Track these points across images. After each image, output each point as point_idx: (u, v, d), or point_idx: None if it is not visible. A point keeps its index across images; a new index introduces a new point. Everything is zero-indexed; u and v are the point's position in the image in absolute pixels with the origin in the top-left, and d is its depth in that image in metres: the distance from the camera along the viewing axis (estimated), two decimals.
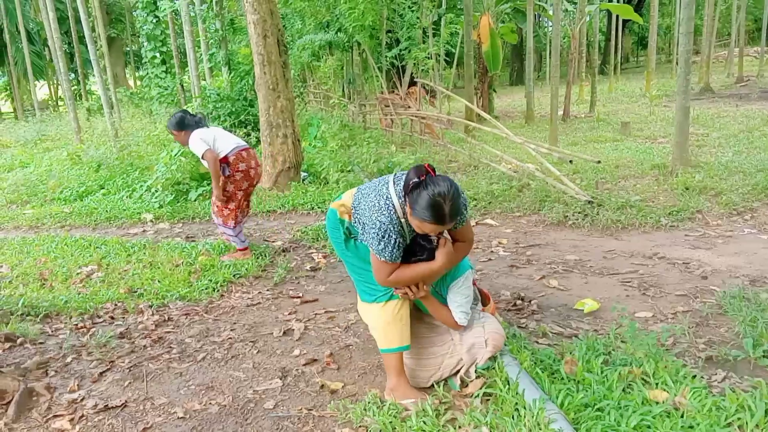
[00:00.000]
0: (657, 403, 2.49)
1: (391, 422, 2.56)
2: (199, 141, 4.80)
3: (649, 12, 22.50)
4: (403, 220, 2.58)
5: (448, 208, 2.38)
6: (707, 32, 18.28)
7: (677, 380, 2.65)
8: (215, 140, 4.91)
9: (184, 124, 4.91)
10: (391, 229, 2.54)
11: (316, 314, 3.99)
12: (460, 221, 2.64)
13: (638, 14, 18.90)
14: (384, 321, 2.80)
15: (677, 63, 7.40)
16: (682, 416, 2.39)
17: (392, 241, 2.55)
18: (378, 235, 2.54)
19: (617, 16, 23.36)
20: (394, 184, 2.62)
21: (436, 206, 2.37)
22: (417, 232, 2.57)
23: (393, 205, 2.57)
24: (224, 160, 4.92)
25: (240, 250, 5.22)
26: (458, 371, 2.87)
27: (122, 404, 2.90)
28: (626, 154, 8.97)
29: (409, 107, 12.21)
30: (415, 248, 2.67)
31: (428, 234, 2.54)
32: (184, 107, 12.29)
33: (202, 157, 4.84)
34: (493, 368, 2.82)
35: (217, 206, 5.06)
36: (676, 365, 2.79)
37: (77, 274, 4.93)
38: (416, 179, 2.41)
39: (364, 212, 2.63)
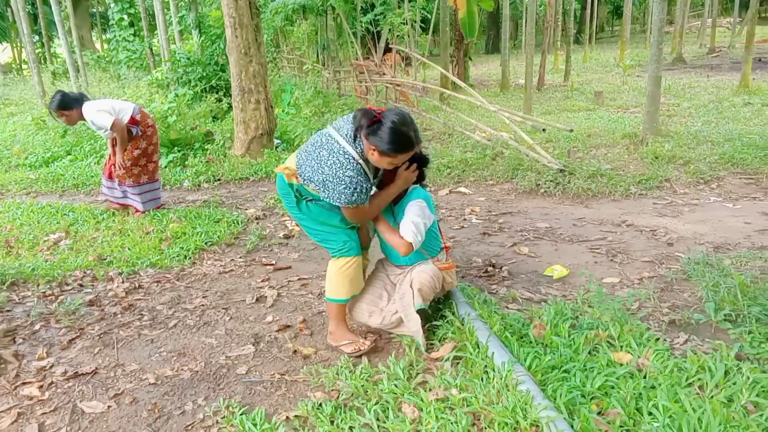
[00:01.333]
0: (621, 365, 2.56)
1: (363, 385, 2.59)
2: (102, 113, 4.95)
3: None
4: (365, 166, 2.70)
5: (413, 133, 2.59)
6: (681, 2, 18.37)
7: (641, 343, 2.72)
8: (114, 108, 5.07)
9: (71, 102, 4.97)
10: (360, 179, 2.67)
11: (289, 281, 3.99)
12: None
13: None
14: (334, 274, 3.01)
15: (651, 32, 7.43)
16: (644, 377, 2.47)
17: (363, 189, 2.70)
18: (350, 188, 2.65)
19: None
20: (341, 137, 2.70)
21: (404, 135, 2.56)
22: (386, 168, 2.75)
23: (352, 157, 2.66)
24: (133, 122, 5.21)
25: (158, 207, 5.53)
26: (401, 321, 2.96)
27: (92, 371, 2.88)
28: (598, 123, 9.05)
29: (384, 74, 12.08)
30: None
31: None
32: (154, 71, 12.01)
33: (110, 128, 5.01)
34: (463, 333, 2.86)
35: (125, 168, 5.25)
36: (640, 329, 2.86)
37: (44, 241, 4.84)
38: (371, 120, 2.56)
39: (322, 171, 2.68)
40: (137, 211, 5.47)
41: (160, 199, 5.68)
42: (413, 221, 2.79)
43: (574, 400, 2.33)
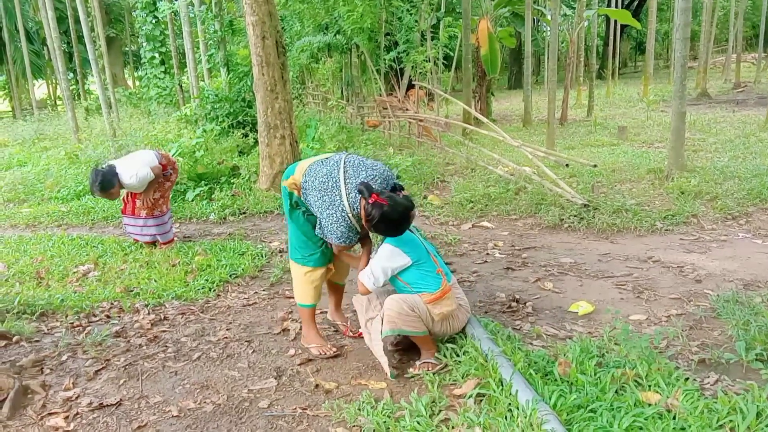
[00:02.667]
0: (649, 404, 2.50)
1: (384, 422, 2.57)
2: (144, 170, 5.18)
3: (647, 17, 22.62)
4: (356, 222, 3.01)
5: (406, 224, 2.95)
6: (705, 38, 18.36)
7: (670, 382, 2.66)
8: (143, 161, 5.26)
9: (111, 180, 5.12)
10: (350, 234, 3.04)
11: None
12: None
13: (636, 20, 18.98)
14: (301, 280, 3.39)
15: (674, 68, 7.43)
16: (674, 418, 2.41)
17: (352, 239, 3.07)
18: (340, 238, 3.04)
19: (615, 21, 23.43)
20: (345, 183, 2.93)
21: (399, 228, 2.93)
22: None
23: (348, 215, 2.98)
24: (164, 167, 5.43)
25: (168, 242, 5.61)
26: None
27: (117, 402, 2.91)
28: (622, 158, 9.00)
29: (407, 110, 12.23)
30: None
31: None
32: (183, 107, 12.32)
33: (150, 179, 5.27)
34: (487, 369, 2.83)
35: (152, 202, 5.41)
36: (668, 367, 2.80)
37: (74, 272, 4.94)
38: (375, 205, 2.83)
39: (320, 212, 3.04)
40: (163, 243, 5.56)
41: (172, 233, 5.77)
42: (372, 268, 3.04)
43: None
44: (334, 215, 2.98)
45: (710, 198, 6.30)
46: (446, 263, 4.84)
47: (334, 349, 3.38)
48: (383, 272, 3.01)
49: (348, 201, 2.96)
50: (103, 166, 5.28)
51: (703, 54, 18.59)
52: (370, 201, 2.84)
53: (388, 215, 2.83)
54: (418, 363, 3.11)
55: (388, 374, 3.02)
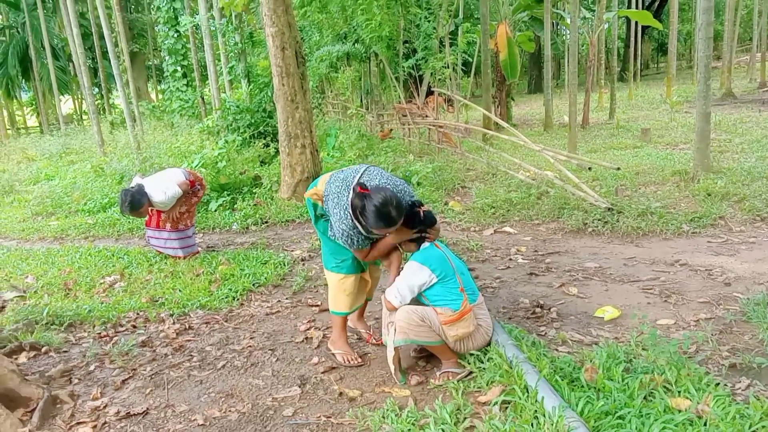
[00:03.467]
0: (679, 411, 2.45)
1: (409, 430, 2.56)
2: (173, 188, 5.27)
3: (668, 18, 22.33)
4: (361, 227, 3.00)
5: (395, 212, 2.81)
6: (728, 37, 18.08)
7: (700, 388, 2.61)
8: (170, 179, 5.36)
9: (140, 200, 5.21)
10: (352, 234, 3.04)
11: None
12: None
13: (657, 20, 18.77)
14: (336, 288, 3.41)
15: (697, 68, 7.33)
16: (705, 424, 2.35)
17: (355, 241, 3.07)
18: (343, 237, 3.06)
19: (636, 23, 23.20)
20: (354, 193, 2.95)
21: (385, 217, 2.80)
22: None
23: (350, 215, 2.98)
24: (192, 184, 5.54)
25: (194, 253, 5.70)
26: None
27: (144, 411, 2.94)
28: (646, 160, 8.88)
29: (426, 116, 12.23)
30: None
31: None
32: (205, 119, 12.48)
33: (178, 196, 5.37)
34: (512, 376, 2.81)
35: (173, 220, 5.49)
36: (698, 373, 2.74)
37: (100, 284, 5.01)
38: (358, 195, 2.86)
39: (331, 213, 3.09)
40: (185, 256, 5.60)
41: (196, 246, 5.85)
42: (399, 285, 3.02)
43: None
44: (340, 213, 3.00)
45: (738, 199, 6.18)
46: (469, 269, 4.83)
47: (359, 360, 3.38)
48: (409, 289, 3.00)
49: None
50: (132, 186, 5.37)
51: (727, 53, 18.30)
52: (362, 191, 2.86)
53: (372, 204, 2.78)
54: (438, 373, 3.09)
55: (397, 380, 3.03)
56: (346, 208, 2.98)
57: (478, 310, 3.11)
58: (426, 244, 3.12)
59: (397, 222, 2.84)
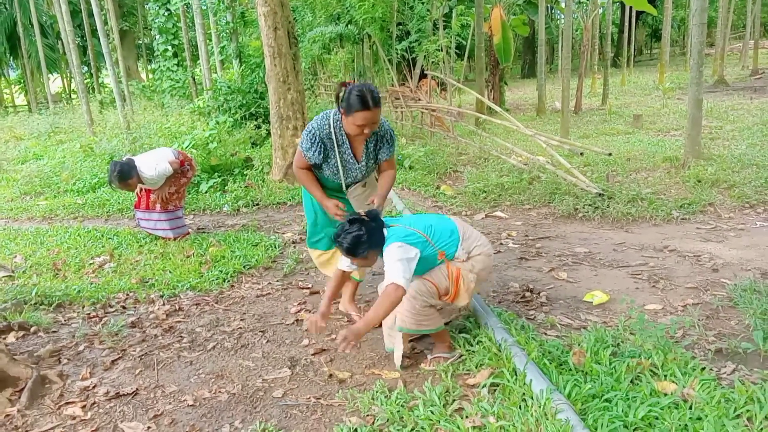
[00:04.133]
0: (665, 394, 2.48)
1: (398, 411, 2.57)
2: (162, 163, 5.23)
3: (663, 4, 22.26)
4: (335, 129, 3.23)
5: (370, 96, 3.01)
6: (722, 24, 18.08)
7: (686, 372, 2.64)
8: (161, 157, 5.32)
9: (129, 171, 5.16)
10: (317, 133, 3.23)
11: None
12: (388, 152, 3.38)
13: (652, 6, 18.70)
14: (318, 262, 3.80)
15: (690, 55, 7.33)
16: (690, 408, 2.39)
17: (314, 142, 3.24)
18: (306, 131, 3.26)
19: (631, 8, 23.13)
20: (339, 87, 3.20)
21: (362, 96, 3.00)
22: (354, 135, 3.18)
23: (326, 116, 3.26)
24: (182, 164, 5.49)
25: (184, 234, 5.67)
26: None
27: (133, 392, 2.94)
28: (638, 146, 8.91)
29: (419, 100, 12.18)
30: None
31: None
32: (196, 99, 12.36)
33: (169, 173, 5.32)
34: (501, 359, 2.83)
35: (163, 200, 5.46)
36: (685, 357, 2.78)
37: (90, 264, 4.98)
38: (340, 86, 3.13)
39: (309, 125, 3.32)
40: (175, 237, 5.59)
41: (186, 227, 5.83)
42: (394, 268, 2.74)
43: (617, 431, 2.26)
44: (315, 120, 3.28)
45: (727, 186, 6.22)
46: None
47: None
48: (408, 262, 2.77)
49: (333, 112, 3.28)
50: (123, 158, 5.33)
51: (720, 40, 18.31)
52: (344, 84, 3.12)
53: (361, 87, 3.04)
54: (430, 357, 3.10)
55: (397, 365, 3.03)
56: (326, 112, 3.29)
57: (468, 243, 3.01)
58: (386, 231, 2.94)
59: (371, 106, 3.01)
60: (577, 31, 24.05)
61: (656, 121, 11.69)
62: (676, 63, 27.44)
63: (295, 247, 5.39)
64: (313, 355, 3.28)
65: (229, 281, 4.51)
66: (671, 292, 3.87)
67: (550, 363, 2.77)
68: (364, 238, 2.80)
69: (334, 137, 3.26)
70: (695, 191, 6.13)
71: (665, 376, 2.65)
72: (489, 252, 3.09)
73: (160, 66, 19.38)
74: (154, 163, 5.22)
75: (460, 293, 2.95)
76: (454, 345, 3.12)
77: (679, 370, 2.65)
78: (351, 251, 2.82)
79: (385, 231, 2.91)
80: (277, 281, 4.55)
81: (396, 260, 2.77)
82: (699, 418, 2.31)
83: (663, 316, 3.50)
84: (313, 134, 3.23)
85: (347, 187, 3.46)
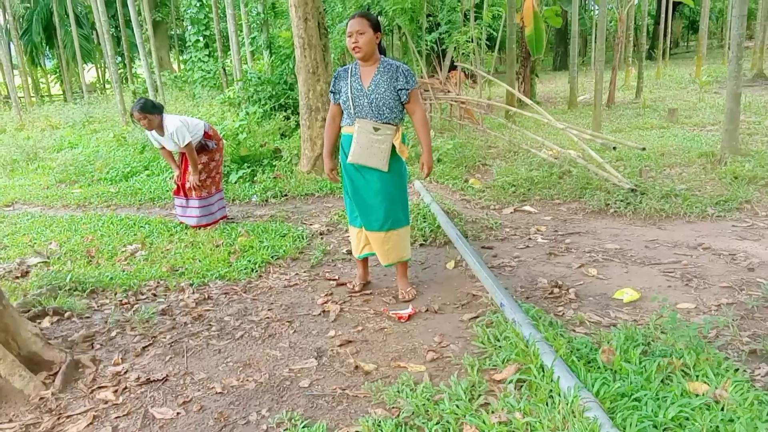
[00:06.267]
0: (697, 395, 2.43)
1: (423, 405, 2.57)
2: (182, 129, 5.26)
3: None
4: (352, 66, 3.60)
5: (357, 11, 3.51)
6: (762, 16, 17.54)
7: (719, 373, 2.58)
8: (188, 124, 5.37)
9: (154, 107, 5.26)
10: (339, 70, 3.64)
11: (351, 297, 4.02)
12: (406, 80, 3.57)
13: None
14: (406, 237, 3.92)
15: (729, 48, 7.12)
16: (722, 409, 2.33)
17: (336, 78, 3.64)
18: (334, 75, 3.67)
19: None
20: None
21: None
22: (354, 56, 3.51)
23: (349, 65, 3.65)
24: (207, 137, 5.60)
25: (212, 223, 5.74)
26: None
27: (163, 378, 2.99)
28: (673, 141, 8.72)
29: (448, 92, 12.09)
30: None
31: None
32: (226, 90, 12.48)
33: (184, 146, 5.34)
34: (528, 355, 2.80)
35: (200, 183, 5.53)
36: (717, 358, 2.72)
37: (122, 252, 5.08)
38: None
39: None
40: (206, 224, 5.66)
41: (225, 209, 5.93)
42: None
43: (646, 431, 2.23)
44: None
45: (765, 183, 6.05)
46: (488, 248, 4.83)
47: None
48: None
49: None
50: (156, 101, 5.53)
51: (760, 33, 17.77)
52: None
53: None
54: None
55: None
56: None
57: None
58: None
59: (355, 15, 3.44)
60: (611, 22, 23.55)
61: (692, 116, 11.41)
62: (714, 56, 26.73)
63: (322, 238, 5.41)
64: (339, 346, 3.29)
65: (257, 271, 4.56)
66: (705, 291, 3.79)
67: (579, 360, 2.73)
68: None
69: (349, 70, 3.62)
70: (732, 188, 5.98)
71: (697, 376, 2.59)
72: None
73: (191, 57, 19.61)
74: (181, 124, 5.27)
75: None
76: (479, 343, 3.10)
77: (711, 370, 2.59)
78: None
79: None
80: (305, 272, 4.58)
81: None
82: (731, 420, 2.26)
83: (696, 315, 3.43)
84: (337, 72, 3.65)
85: (356, 117, 3.62)
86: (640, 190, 5.92)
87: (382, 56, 3.65)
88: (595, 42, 10.43)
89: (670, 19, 25.25)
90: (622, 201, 5.79)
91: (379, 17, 15.19)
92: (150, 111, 5.21)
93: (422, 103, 3.76)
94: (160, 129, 5.31)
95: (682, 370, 2.65)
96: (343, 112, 3.73)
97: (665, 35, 24.73)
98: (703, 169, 6.82)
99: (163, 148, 5.56)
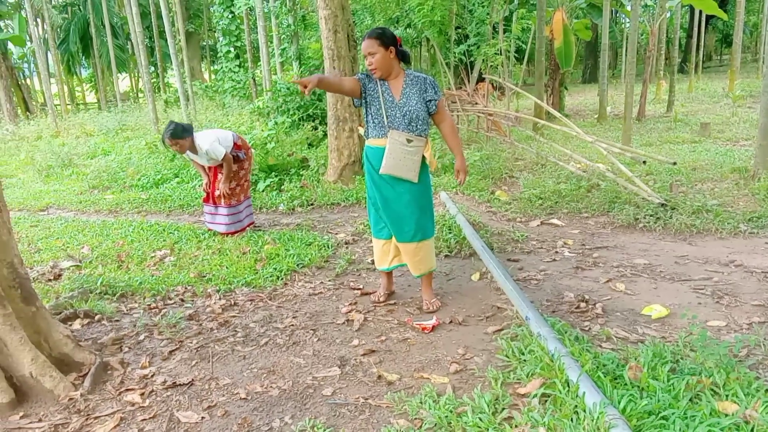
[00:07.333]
0: (726, 415, 2.38)
1: (446, 417, 2.56)
2: (218, 145, 5.37)
3: (734, 8, 21.32)
4: (376, 82, 3.57)
5: (373, 30, 3.51)
6: None
7: (749, 393, 2.52)
8: (219, 138, 5.48)
9: (184, 131, 5.33)
10: (365, 78, 3.60)
11: (375, 306, 4.03)
12: (433, 91, 3.60)
13: (723, 10, 17.93)
14: (431, 248, 3.92)
15: (763, 61, 6.99)
16: (752, 430, 2.28)
17: (369, 79, 3.59)
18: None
19: (700, 12, 22.24)
20: None
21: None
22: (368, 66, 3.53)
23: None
24: (237, 147, 5.68)
25: (239, 230, 5.83)
26: None
27: (189, 382, 3.03)
28: (704, 156, 8.57)
29: (476, 104, 12.08)
30: None
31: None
32: (256, 100, 12.65)
33: (221, 159, 5.45)
34: (553, 369, 2.77)
35: (229, 191, 5.63)
36: (748, 377, 2.65)
37: (151, 257, 5.18)
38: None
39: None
40: (233, 232, 5.74)
41: (252, 216, 6.03)
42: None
43: None
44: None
45: None
46: (513, 260, 4.79)
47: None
48: None
49: None
50: (185, 122, 5.63)
51: None
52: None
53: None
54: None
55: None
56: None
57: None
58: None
59: (367, 36, 3.51)
60: (642, 35, 23.31)
61: (725, 130, 11.21)
62: (748, 70, 26.24)
63: (347, 247, 5.44)
64: (362, 355, 3.30)
65: (282, 279, 4.60)
66: (736, 308, 3.70)
67: (605, 376, 2.70)
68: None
69: (374, 86, 3.60)
70: (765, 204, 5.85)
71: (727, 396, 2.53)
72: None
73: (222, 67, 19.95)
74: (213, 139, 5.38)
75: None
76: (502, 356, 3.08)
77: (741, 390, 2.53)
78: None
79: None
80: (329, 281, 4.60)
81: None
82: None
83: (726, 333, 3.35)
84: (362, 78, 3.64)
85: (389, 128, 3.61)
86: (670, 204, 5.83)
87: (406, 67, 3.65)
88: (626, 55, 10.33)
89: (703, 33, 24.89)
90: (651, 215, 5.71)
91: (407, 29, 15.31)
92: (180, 136, 5.30)
93: (449, 112, 3.76)
94: (193, 148, 5.43)
95: (712, 389, 2.59)
96: (368, 123, 3.68)
97: (698, 48, 24.38)
98: (735, 185, 6.68)
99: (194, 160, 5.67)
